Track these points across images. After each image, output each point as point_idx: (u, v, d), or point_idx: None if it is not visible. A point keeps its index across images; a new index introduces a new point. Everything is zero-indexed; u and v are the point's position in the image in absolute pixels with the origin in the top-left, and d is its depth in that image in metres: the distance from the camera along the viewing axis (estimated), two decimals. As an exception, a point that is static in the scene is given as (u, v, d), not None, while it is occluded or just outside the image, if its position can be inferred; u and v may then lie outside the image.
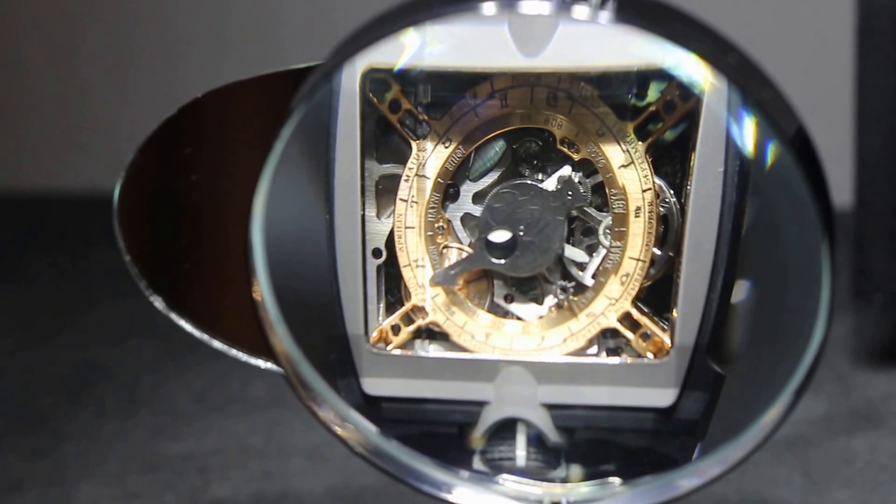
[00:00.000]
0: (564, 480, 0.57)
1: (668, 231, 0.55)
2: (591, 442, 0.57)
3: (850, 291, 0.97)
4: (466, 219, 0.56)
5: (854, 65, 0.93)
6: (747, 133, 0.53)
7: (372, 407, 0.57)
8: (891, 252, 0.92)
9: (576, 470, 0.57)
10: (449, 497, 0.57)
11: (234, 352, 0.63)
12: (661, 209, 0.55)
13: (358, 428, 0.57)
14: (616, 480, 0.57)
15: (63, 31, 1.59)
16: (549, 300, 0.56)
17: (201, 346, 0.64)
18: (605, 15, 0.48)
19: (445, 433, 0.58)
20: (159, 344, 1.06)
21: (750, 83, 0.49)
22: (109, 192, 0.60)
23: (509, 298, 0.57)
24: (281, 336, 0.56)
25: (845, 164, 0.96)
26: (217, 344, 0.63)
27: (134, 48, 1.58)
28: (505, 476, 0.57)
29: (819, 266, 0.50)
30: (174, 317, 0.63)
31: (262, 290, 0.55)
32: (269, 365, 0.63)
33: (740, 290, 0.55)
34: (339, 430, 0.57)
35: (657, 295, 0.56)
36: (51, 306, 1.20)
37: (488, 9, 0.48)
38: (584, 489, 0.57)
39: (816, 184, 0.49)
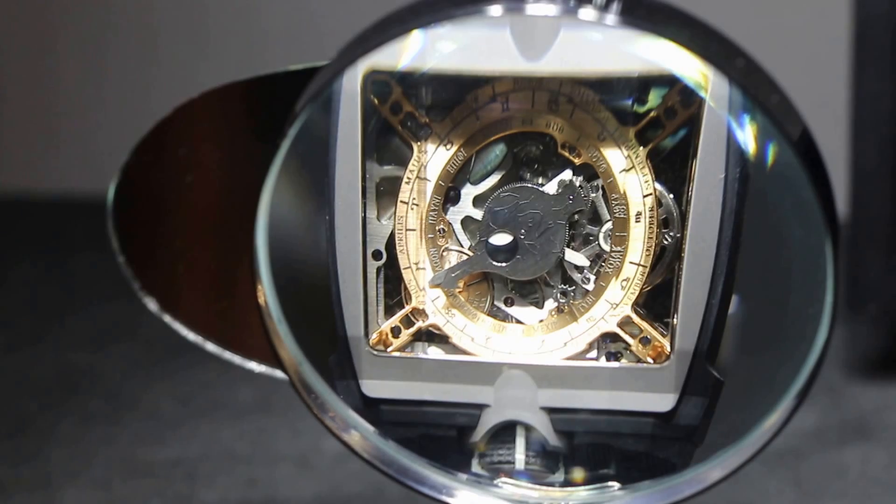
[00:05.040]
0: (564, 484, 0.57)
1: (669, 224, 0.55)
2: (589, 446, 0.57)
3: (844, 301, 0.97)
4: (467, 222, 0.56)
5: (850, 73, 0.93)
6: (749, 138, 0.53)
7: (370, 409, 0.57)
8: (885, 262, 0.92)
9: (575, 474, 0.57)
10: (449, 500, 0.57)
11: (227, 355, 0.63)
12: (665, 241, 0.55)
13: (360, 431, 0.57)
14: (615, 485, 0.57)
15: (39, 30, 1.58)
16: (550, 304, 0.56)
17: (187, 350, 0.64)
18: (612, 17, 0.48)
19: (444, 436, 0.57)
20: (144, 348, 1.05)
21: (758, 88, 0.49)
22: (92, 194, 0.59)
23: (509, 302, 0.57)
24: (284, 340, 0.56)
25: (840, 173, 0.97)
26: (210, 347, 0.63)
27: (112, 48, 1.57)
28: (505, 479, 0.57)
29: (820, 270, 0.50)
30: (167, 319, 0.63)
31: (266, 293, 0.55)
32: (262, 368, 0.62)
33: (740, 296, 0.55)
34: (342, 434, 0.56)
35: (658, 300, 0.56)
36: (34, 310, 1.19)
37: (495, 10, 0.48)
38: (583, 493, 0.57)
39: (822, 187, 0.49)
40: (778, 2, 1.42)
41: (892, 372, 0.96)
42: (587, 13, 0.48)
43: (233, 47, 1.50)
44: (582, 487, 0.57)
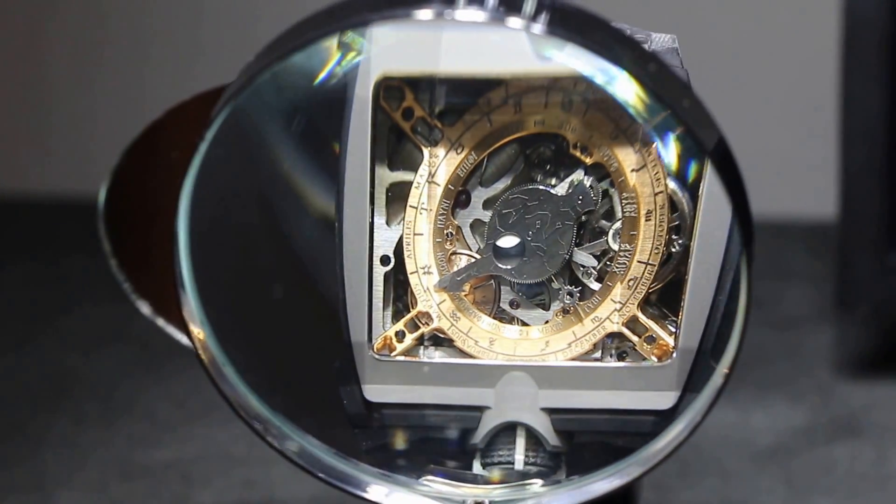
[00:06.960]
0: (486, 482, 0.57)
1: (680, 231, 0.55)
2: (589, 443, 0.57)
3: (834, 302, 0.97)
4: (476, 224, 0.56)
5: (839, 76, 0.94)
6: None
7: (372, 413, 0.57)
8: (875, 263, 0.93)
9: (496, 471, 0.57)
10: (371, 497, 0.57)
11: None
12: (674, 249, 0.55)
13: (282, 427, 0.57)
14: (537, 482, 0.57)
15: (31, 32, 1.57)
16: (556, 305, 0.57)
17: (181, 352, 0.64)
18: (539, 26, 0.48)
19: (445, 438, 0.58)
20: (138, 350, 1.05)
21: (668, 92, 0.49)
22: (84, 196, 0.59)
23: (515, 304, 0.57)
24: (200, 325, 0.56)
25: (830, 174, 0.97)
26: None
27: (105, 49, 1.57)
28: (428, 478, 0.57)
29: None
30: (160, 322, 0.62)
31: (184, 278, 0.55)
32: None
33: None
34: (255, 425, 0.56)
35: (661, 297, 0.56)
36: (27, 312, 1.19)
37: (424, 14, 0.49)
38: (504, 490, 0.57)
39: (737, 197, 0.50)
40: (768, 5, 1.42)
41: (881, 370, 0.97)
42: (515, 21, 0.48)
43: (225, 50, 1.49)
44: (503, 485, 0.57)
